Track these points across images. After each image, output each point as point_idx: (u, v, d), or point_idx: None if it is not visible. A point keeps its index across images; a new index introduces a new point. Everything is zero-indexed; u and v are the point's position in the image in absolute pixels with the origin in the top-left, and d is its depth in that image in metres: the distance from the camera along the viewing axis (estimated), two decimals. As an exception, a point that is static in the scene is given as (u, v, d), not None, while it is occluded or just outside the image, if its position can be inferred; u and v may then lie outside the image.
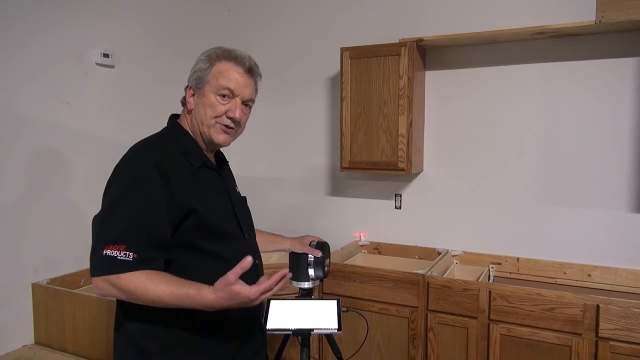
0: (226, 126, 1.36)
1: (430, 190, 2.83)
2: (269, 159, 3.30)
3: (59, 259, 2.20)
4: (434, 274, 2.36)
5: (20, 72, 2.04)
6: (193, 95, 1.37)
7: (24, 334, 2.08)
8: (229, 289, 1.12)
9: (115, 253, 1.15)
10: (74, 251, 2.27)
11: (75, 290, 2.07)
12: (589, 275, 2.45)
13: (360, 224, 3.03)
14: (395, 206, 2.93)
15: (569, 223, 2.50)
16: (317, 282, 1.97)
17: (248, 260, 1.13)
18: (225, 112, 1.34)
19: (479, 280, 2.35)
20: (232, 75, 1.37)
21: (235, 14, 3.30)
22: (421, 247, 2.85)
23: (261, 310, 1.55)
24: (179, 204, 1.24)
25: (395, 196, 2.93)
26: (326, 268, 1.72)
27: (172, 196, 1.22)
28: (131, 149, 1.34)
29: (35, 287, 2.08)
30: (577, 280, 2.48)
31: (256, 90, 1.45)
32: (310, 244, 1.67)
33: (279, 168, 3.27)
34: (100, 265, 1.16)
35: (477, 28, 2.55)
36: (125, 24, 2.52)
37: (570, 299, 2.04)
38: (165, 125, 1.45)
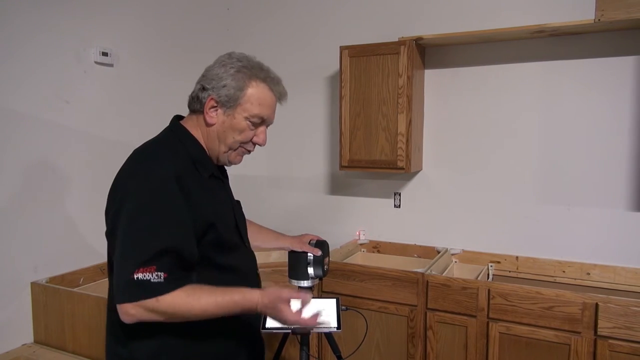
0: (248, 150, 1.33)
1: (429, 188, 2.83)
2: (268, 158, 3.30)
3: (58, 258, 2.20)
4: (433, 272, 2.36)
5: (19, 70, 2.04)
6: (216, 110, 1.26)
7: (24, 333, 2.08)
8: (278, 305, 1.17)
9: (147, 276, 1.09)
10: (73, 250, 2.27)
11: (75, 289, 2.07)
12: (588, 274, 2.46)
13: (359, 222, 3.03)
14: (395, 205, 2.93)
15: (568, 221, 2.51)
16: (317, 281, 1.97)
17: (309, 298, 1.20)
18: (252, 138, 1.30)
19: (478, 278, 2.35)
20: (268, 103, 1.30)
21: (234, 13, 3.30)
22: (420, 246, 2.85)
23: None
24: (201, 219, 1.19)
25: (395, 195, 2.93)
26: (325, 267, 1.72)
27: (194, 211, 1.17)
28: (138, 157, 1.24)
29: (34, 285, 2.08)
30: (576, 278, 2.48)
31: None
32: (309, 243, 1.67)
33: (278, 167, 3.27)
34: (134, 291, 1.09)
35: (476, 27, 2.55)
36: (124, 22, 2.52)
37: (569, 298, 2.05)
38: (167, 125, 1.36)
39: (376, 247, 2.97)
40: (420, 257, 2.82)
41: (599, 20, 2.14)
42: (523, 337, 2.14)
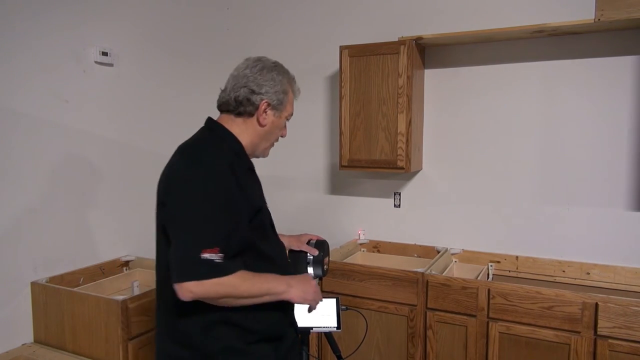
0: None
1: (429, 188, 2.83)
2: (268, 158, 3.29)
3: (58, 258, 2.20)
4: (433, 272, 2.36)
5: (19, 70, 2.04)
6: (267, 112, 1.39)
7: (23, 333, 2.08)
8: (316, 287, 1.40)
9: (212, 256, 1.17)
10: (72, 250, 2.27)
11: (75, 289, 2.07)
12: (588, 274, 2.46)
13: (359, 222, 3.03)
14: (395, 204, 2.93)
15: (567, 221, 2.51)
16: (317, 281, 1.97)
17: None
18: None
19: (478, 278, 2.35)
20: (293, 101, 1.48)
21: (234, 12, 3.30)
22: (420, 246, 2.85)
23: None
24: (251, 204, 1.30)
25: (395, 194, 2.93)
26: (325, 266, 1.72)
27: (246, 196, 1.29)
28: (190, 151, 1.33)
29: (34, 285, 2.08)
30: (576, 278, 2.48)
31: None
32: (309, 242, 1.68)
33: (278, 166, 3.27)
34: (199, 269, 1.17)
35: (476, 26, 2.55)
36: (124, 22, 2.52)
37: (569, 297, 2.05)
38: (202, 126, 1.44)
39: (376, 246, 2.97)
40: (420, 256, 2.82)
41: (599, 20, 2.14)
42: (523, 337, 2.14)
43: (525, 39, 2.51)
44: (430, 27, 2.70)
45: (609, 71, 2.37)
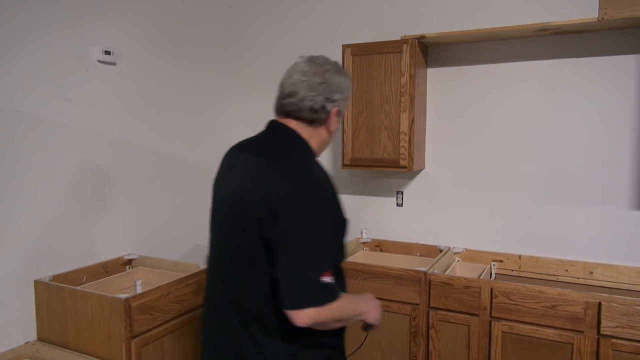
0: None
1: (431, 187, 2.83)
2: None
3: (61, 256, 2.21)
4: (435, 271, 2.36)
5: (22, 69, 2.04)
6: (334, 118, 1.37)
7: (27, 331, 2.09)
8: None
9: (329, 279, 1.16)
10: (75, 248, 2.27)
11: (78, 287, 2.07)
12: (591, 273, 2.45)
13: (361, 221, 3.03)
14: (397, 203, 2.93)
15: (570, 220, 2.50)
16: None
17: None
18: None
19: (481, 277, 2.35)
20: None
21: (236, 11, 3.30)
22: (423, 245, 2.84)
23: None
24: (343, 218, 1.29)
25: (397, 193, 2.92)
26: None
27: (341, 210, 1.28)
28: (292, 161, 1.27)
29: (37, 283, 2.09)
30: (579, 277, 2.47)
31: None
32: None
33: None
34: (321, 295, 1.15)
35: (479, 25, 2.55)
36: (126, 20, 2.52)
37: (572, 297, 2.04)
38: (267, 130, 1.40)
39: (378, 245, 2.97)
40: (422, 255, 2.82)
41: (602, 18, 2.13)
42: (525, 336, 2.13)
43: (528, 37, 2.51)
44: (433, 26, 2.69)
45: (612, 70, 2.37)
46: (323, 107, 1.32)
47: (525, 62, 2.55)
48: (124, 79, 2.52)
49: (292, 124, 1.34)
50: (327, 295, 1.15)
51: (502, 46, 2.59)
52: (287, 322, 1.16)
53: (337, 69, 1.36)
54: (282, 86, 1.35)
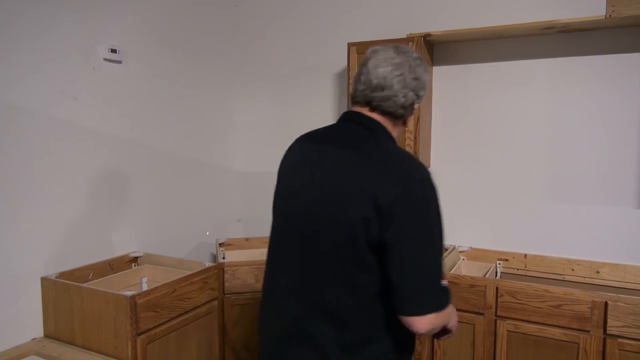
0: None
1: (437, 186, 2.81)
2: (274, 155, 3.29)
3: (67, 253, 2.22)
4: (440, 270, 2.35)
5: (28, 67, 2.05)
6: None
7: (34, 327, 2.10)
8: None
9: (446, 282, 1.14)
10: (81, 245, 2.28)
11: (84, 284, 2.08)
12: (598, 272, 2.44)
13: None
14: (402, 202, 2.92)
15: (577, 220, 2.49)
16: None
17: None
18: None
19: (486, 276, 2.34)
20: None
21: (242, 9, 3.30)
22: (428, 243, 2.83)
23: None
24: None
25: (402, 192, 2.91)
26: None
27: None
28: (404, 158, 1.21)
29: (44, 280, 2.10)
30: (585, 277, 2.46)
31: None
32: None
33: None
34: (442, 299, 1.13)
35: (485, 23, 2.53)
36: (132, 19, 2.53)
37: (578, 296, 2.03)
38: (347, 121, 1.33)
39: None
40: (427, 254, 2.81)
41: (610, 16, 2.12)
42: (531, 335, 2.13)
43: (535, 35, 2.49)
44: (438, 24, 2.68)
45: (620, 68, 2.35)
46: (412, 104, 1.27)
47: (532, 60, 2.53)
48: (130, 77, 2.53)
49: (377, 117, 1.27)
50: (447, 299, 1.13)
51: (509, 44, 2.58)
52: (365, 322, 1.16)
53: (424, 63, 1.29)
54: (367, 74, 1.25)
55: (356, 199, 1.13)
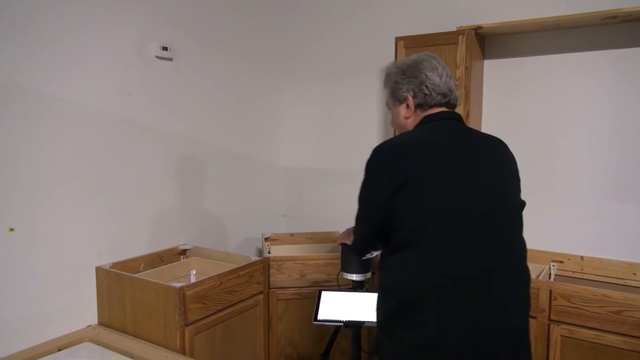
0: None
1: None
2: (320, 150, 3.29)
3: (120, 244, 2.30)
4: (490, 270, 2.27)
5: (84, 64, 2.13)
6: None
7: (89, 315, 2.19)
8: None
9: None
10: (132, 238, 2.36)
11: (135, 275, 2.16)
12: (662, 277, 2.29)
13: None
14: (450, 200, 2.84)
15: (639, 221, 2.34)
16: (368, 275, 1.94)
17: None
18: None
19: (539, 278, 2.24)
20: None
21: (288, 5, 3.31)
22: (477, 243, 2.75)
23: None
24: None
25: (450, 189, 2.84)
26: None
27: None
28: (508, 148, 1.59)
29: (98, 270, 2.19)
30: (648, 282, 2.31)
31: (389, 96, 1.62)
32: None
33: (330, 159, 3.26)
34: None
35: (540, 14, 2.42)
36: (182, 17, 2.58)
37: (639, 302, 1.91)
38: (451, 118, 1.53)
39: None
40: (476, 254, 2.73)
41: (681, 2, 1.97)
42: (587, 342, 2.02)
43: (595, 25, 2.35)
44: (490, 16, 2.58)
45: (691, 59, 2.19)
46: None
47: (592, 52, 2.40)
48: (180, 74, 2.59)
49: (452, 113, 1.54)
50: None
51: (567, 35, 2.45)
52: None
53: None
54: (438, 79, 1.48)
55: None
